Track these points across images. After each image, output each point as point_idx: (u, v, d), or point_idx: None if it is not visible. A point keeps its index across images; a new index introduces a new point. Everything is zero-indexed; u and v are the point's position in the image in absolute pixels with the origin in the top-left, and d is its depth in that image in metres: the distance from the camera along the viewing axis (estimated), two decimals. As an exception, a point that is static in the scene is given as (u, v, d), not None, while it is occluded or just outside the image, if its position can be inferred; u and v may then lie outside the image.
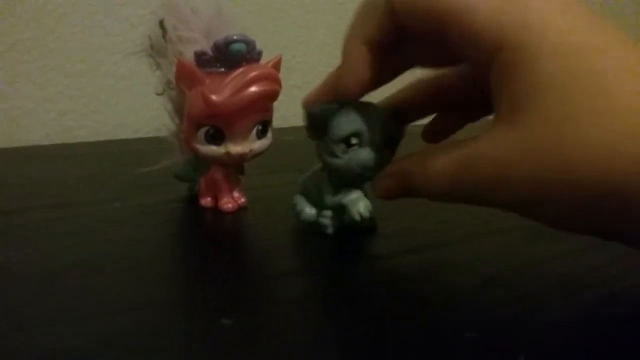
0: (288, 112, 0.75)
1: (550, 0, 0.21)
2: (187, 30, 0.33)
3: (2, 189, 0.41)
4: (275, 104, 0.33)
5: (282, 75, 0.33)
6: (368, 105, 0.29)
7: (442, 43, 0.23)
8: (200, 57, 0.31)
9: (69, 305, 0.23)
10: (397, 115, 0.29)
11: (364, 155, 0.28)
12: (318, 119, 0.29)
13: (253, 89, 0.31)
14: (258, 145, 0.34)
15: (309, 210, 0.32)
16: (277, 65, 0.33)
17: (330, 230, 0.31)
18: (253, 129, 0.33)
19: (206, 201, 0.36)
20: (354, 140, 0.28)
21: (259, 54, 0.32)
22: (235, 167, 0.36)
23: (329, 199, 0.31)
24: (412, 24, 0.23)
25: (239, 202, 0.36)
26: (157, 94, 0.36)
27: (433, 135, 0.32)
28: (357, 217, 0.29)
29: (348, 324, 0.22)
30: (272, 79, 0.32)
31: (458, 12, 0.21)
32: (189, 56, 0.32)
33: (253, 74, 0.31)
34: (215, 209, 0.36)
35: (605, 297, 0.25)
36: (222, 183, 0.35)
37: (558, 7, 0.20)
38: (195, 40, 0.33)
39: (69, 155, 0.53)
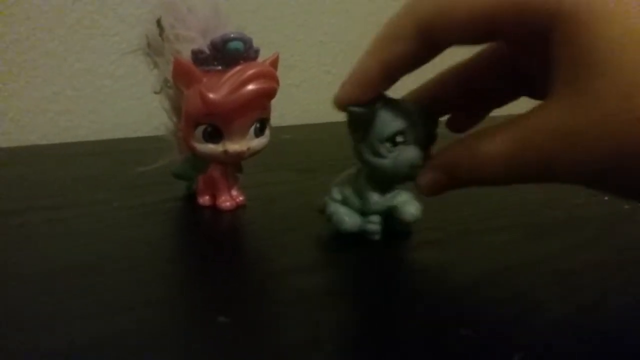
0: (286, 110, 0.76)
1: None
2: (184, 29, 0.33)
3: (1, 189, 0.41)
4: (273, 102, 0.33)
5: (279, 73, 0.33)
6: (408, 102, 0.28)
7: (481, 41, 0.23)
8: (197, 55, 0.31)
9: (68, 305, 0.23)
10: (431, 111, 0.28)
11: (412, 153, 0.27)
12: (361, 118, 0.27)
13: (250, 87, 0.31)
14: (256, 143, 0.34)
15: (350, 219, 0.30)
16: (274, 63, 0.33)
17: (378, 237, 0.30)
18: (251, 127, 0.33)
19: (204, 200, 0.36)
20: (399, 139, 0.27)
21: (256, 52, 0.32)
22: (233, 165, 0.36)
23: (376, 202, 0.29)
24: (450, 34, 0.23)
25: (237, 200, 0.36)
26: (155, 93, 0.36)
27: (459, 124, 0.31)
28: (411, 219, 0.28)
29: (345, 322, 0.22)
30: (270, 77, 0.32)
31: (503, 4, 0.21)
32: (186, 55, 0.32)
33: (250, 72, 0.31)
34: (214, 208, 0.36)
35: (602, 294, 0.25)
36: (220, 181, 0.35)
37: None
38: (193, 39, 0.33)
39: (67, 155, 0.53)
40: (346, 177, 0.31)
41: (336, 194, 0.31)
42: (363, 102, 0.26)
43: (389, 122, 0.27)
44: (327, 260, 0.28)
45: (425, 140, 0.28)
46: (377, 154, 0.28)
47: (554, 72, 0.21)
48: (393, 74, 0.26)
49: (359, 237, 0.30)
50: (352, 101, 0.26)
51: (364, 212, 0.30)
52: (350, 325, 0.22)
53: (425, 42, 0.24)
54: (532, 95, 0.26)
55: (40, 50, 0.60)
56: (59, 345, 0.20)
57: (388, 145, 0.27)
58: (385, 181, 0.29)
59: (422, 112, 0.28)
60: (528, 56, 0.23)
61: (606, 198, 0.37)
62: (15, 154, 0.54)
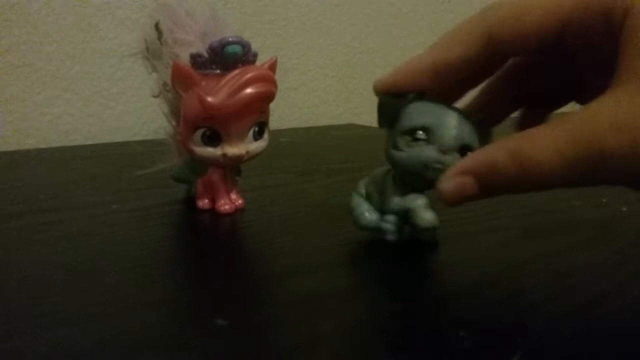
0: (284, 113, 0.76)
1: None
2: (182, 33, 0.33)
3: (0, 192, 0.41)
4: (272, 105, 0.33)
5: (277, 76, 0.33)
6: (448, 104, 0.27)
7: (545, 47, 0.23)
8: (195, 59, 0.31)
9: (66, 307, 0.23)
10: (482, 123, 0.27)
11: (428, 152, 0.25)
12: (389, 107, 0.26)
13: (249, 90, 0.31)
14: (254, 146, 0.34)
15: (369, 215, 0.29)
16: (273, 67, 0.33)
17: (392, 237, 0.29)
18: (249, 130, 0.33)
19: (203, 203, 0.36)
20: (420, 135, 0.26)
21: (255, 55, 0.32)
22: (232, 168, 0.36)
23: (394, 202, 0.28)
24: (519, 40, 0.23)
25: (236, 203, 0.36)
26: (154, 97, 0.36)
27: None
28: (423, 224, 0.27)
29: (343, 325, 0.22)
30: (268, 80, 0.32)
31: (575, 5, 0.21)
32: (184, 58, 0.32)
33: (249, 75, 0.31)
34: (213, 211, 0.36)
35: (600, 294, 0.25)
36: (219, 185, 0.36)
37: None
38: (191, 43, 0.33)
39: (66, 158, 0.53)
40: (373, 175, 0.30)
41: (361, 188, 0.30)
42: (400, 92, 0.26)
43: (414, 115, 0.26)
44: (326, 263, 0.28)
45: (456, 148, 0.26)
46: (395, 146, 0.27)
47: (619, 67, 0.20)
48: (444, 73, 0.25)
49: (358, 240, 0.31)
50: (389, 87, 0.26)
51: (383, 211, 0.29)
52: (348, 327, 0.22)
53: (490, 48, 0.24)
54: (581, 100, 0.26)
55: (38, 54, 0.60)
56: (57, 347, 0.20)
57: (408, 139, 0.26)
58: (407, 184, 0.28)
59: (462, 119, 0.26)
60: (584, 62, 0.23)
61: (604, 200, 0.37)
62: (14, 157, 0.54)
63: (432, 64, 0.25)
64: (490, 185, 0.23)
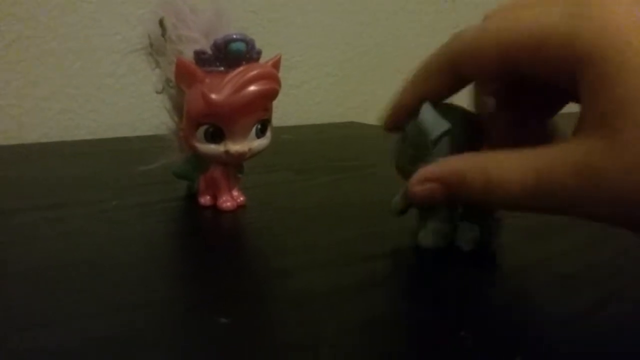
0: (286, 111, 0.76)
1: (629, 2, 0.20)
2: (186, 29, 0.33)
3: (0, 187, 0.41)
4: (275, 103, 0.33)
5: (281, 74, 0.33)
6: (454, 109, 0.28)
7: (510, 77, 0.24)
8: (199, 56, 0.31)
9: (67, 304, 0.23)
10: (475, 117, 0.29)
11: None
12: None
13: (252, 88, 0.31)
14: (257, 144, 0.34)
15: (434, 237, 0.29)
16: (276, 65, 0.33)
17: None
18: (252, 127, 0.33)
19: (205, 200, 0.36)
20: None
21: (258, 53, 0.32)
22: (234, 165, 0.36)
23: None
24: (478, 71, 0.25)
25: (238, 200, 0.36)
26: (157, 93, 0.36)
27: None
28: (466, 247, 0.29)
29: (345, 323, 0.22)
30: (272, 78, 0.32)
31: (532, 47, 0.22)
32: (188, 55, 0.32)
33: (252, 73, 0.31)
34: (214, 208, 0.36)
35: (602, 297, 0.25)
36: (221, 182, 0.36)
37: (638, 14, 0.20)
38: (195, 40, 0.33)
39: (68, 153, 0.53)
40: None
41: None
42: (398, 127, 0.29)
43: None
44: (328, 261, 0.28)
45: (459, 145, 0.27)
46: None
47: (582, 112, 0.21)
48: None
49: (359, 239, 0.31)
50: (392, 126, 0.29)
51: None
52: (350, 326, 0.22)
53: (456, 76, 0.26)
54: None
55: (41, 49, 0.60)
56: (58, 345, 0.20)
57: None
58: None
59: (462, 116, 0.28)
60: (552, 87, 0.23)
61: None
62: (16, 152, 0.54)
63: (417, 98, 0.27)
64: (457, 195, 0.24)
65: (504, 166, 0.22)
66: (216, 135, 0.32)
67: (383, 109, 0.29)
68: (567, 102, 0.28)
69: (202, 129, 0.32)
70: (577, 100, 0.22)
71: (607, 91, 0.19)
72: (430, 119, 0.27)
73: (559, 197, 0.21)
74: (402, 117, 0.28)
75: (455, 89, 0.27)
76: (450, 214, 0.29)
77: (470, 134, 0.27)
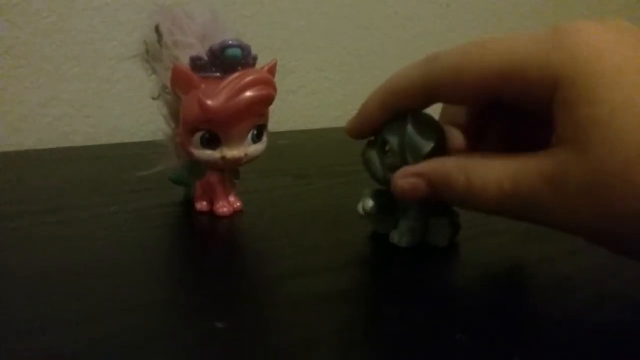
0: (283, 116, 0.76)
1: (601, 32, 0.21)
2: (182, 35, 0.33)
3: (-2, 193, 0.41)
4: (271, 108, 0.34)
5: (277, 80, 0.33)
6: (431, 119, 0.29)
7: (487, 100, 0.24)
8: (195, 62, 0.31)
9: (65, 308, 0.23)
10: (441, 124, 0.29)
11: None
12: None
13: (249, 93, 0.31)
14: (253, 149, 0.34)
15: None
16: (272, 70, 0.33)
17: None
18: (249, 133, 0.33)
19: (202, 205, 0.36)
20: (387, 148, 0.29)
21: (255, 59, 0.32)
22: (231, 171, 0.36)
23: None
24: (455, 96, 0.26)
25: (235, 206, 0.36)
26: (153, 99, 0.36)
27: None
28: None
29: (342, 327, 0.22)
30: (268, 83, 0.32)
31: (509, 73, 0.22)
32: (184, 61, 0.32)
33: (249, 79, 0.31)
34: (211, 213, 0.36)
35: (600, 298, 0.25)
36: (218, 187, 0.36)
37: (611, 38, 0.21)
38: (191, 45, 0.33)
39: (65, 159, 0.53)
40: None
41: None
42: (363, 137, 0.30)
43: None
44: (325, 265, 0.28)
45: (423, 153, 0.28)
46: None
47: (556, 129, 0.22)
48: (393, 115, 0.28)
49: (358, 242, 0.31)
50: (358, 136, 0.30)
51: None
52: (346, 330, 0.22)
53: (429, 98, 0.26)
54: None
55: (38, 55, 0.60)
56: (55, 349, 0.20)
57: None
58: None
59: (438, 127, 0.28)
60: (528, 113, 0.24)
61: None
62: (13, 158, 0.54)
63: (384, 114, 0.28)
64: (440, 193, 0.25)
65: (484, 170, 0.23)
66: (212, 141, 0.32)
67: (349, 119, 0.30)
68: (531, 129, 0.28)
69: (198, 135, 0.32)
70: (543, 125, 0.23)
71: (579, 110, 0.20)
72: (419, 134, 0.27)
73: (534, 204, 0.22)
74: (367, 128, 0.29)
75: (425, 107, 0.28)
76: (421, 213, 0.30)
77: (442, 144, 0.28)
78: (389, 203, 0.30)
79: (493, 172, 0.23)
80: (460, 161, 0.25)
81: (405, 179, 0.27)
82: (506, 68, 0.22)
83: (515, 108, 0.24)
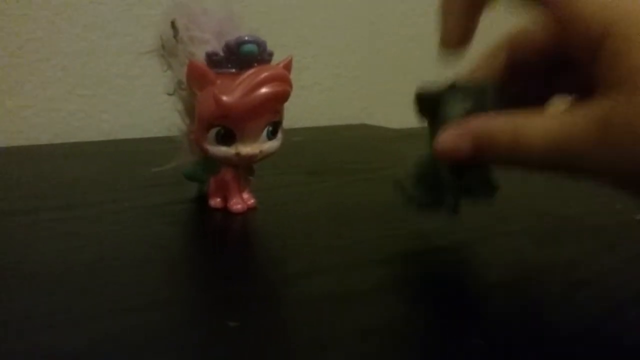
0: (297, 113, 0.76)
1: None
2: (198, 31, 0.33)
3: (12, 188, 0.41)
4: (286, 104, 0.33)
5: (292, 76, 0.33)
6: (482, 85, 0.27)
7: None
8: (211, 57, 0.31)
9: (77, 304, 0.23)
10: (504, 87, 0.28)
11: None
12: (425, 100, 0.28)
13: (264, 90, 0.31)
14: (268, 146, 0.34)
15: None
16: (288, 66, 0.33)
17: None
18: (263, 130, 0.33)
19: (215, 202, 0.36)
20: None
21: (270, 54, 0.32)
22: (245, 168, 0.36)
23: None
24: (527, 56, 0.27)
25: (248, 203, 0.36)
26: (168, 94, 0.36)
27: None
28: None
29: (354, 328, 0.22)
30: (283, 80, 0.32)
31: (566, 5, 0.22)
32: (200, 57, 0.32)
33: (264, 75, 0.31)
34: (225, 210, 0.36)
35: (617, 304, 0.25)
36: (232, 184, 0.35)
37: None
38: (207, 41, 0.33)
39: (79, 154, 0.53)
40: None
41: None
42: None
43: (454, 105, 0.27)
44: (338, 264, 0.28)
45: None
46: None
47: (602, 78, 0.22)
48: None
49: (372, 242, 0.30)
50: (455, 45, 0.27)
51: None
52: (359, 331, 0.22)
53: (511, 56, 0.28)
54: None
55: (53, 50, 0.60)
56: (65, 345, 0.20)
57: None
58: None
59: (495, 96, 0.27)
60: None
61: (617, 207, 0.37)
62: (27, 153, 0.54)
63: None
64: (484, 149, 0.25)
65: (530, 122, 0.23)
66: (227, 137, 0.32)
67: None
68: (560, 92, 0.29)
69: (213, 131, 0.32)
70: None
71: (629, 58, 0.21)
72: (452, 98, 0.27)
73: (581, 152, 0.22)
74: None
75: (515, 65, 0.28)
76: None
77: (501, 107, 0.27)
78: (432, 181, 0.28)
79: (540, 124, 0.23)
80: (503, 116, 0.25)
81: (450, 136, 0.26)
82: (566, 15, 0.23)
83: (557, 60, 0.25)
